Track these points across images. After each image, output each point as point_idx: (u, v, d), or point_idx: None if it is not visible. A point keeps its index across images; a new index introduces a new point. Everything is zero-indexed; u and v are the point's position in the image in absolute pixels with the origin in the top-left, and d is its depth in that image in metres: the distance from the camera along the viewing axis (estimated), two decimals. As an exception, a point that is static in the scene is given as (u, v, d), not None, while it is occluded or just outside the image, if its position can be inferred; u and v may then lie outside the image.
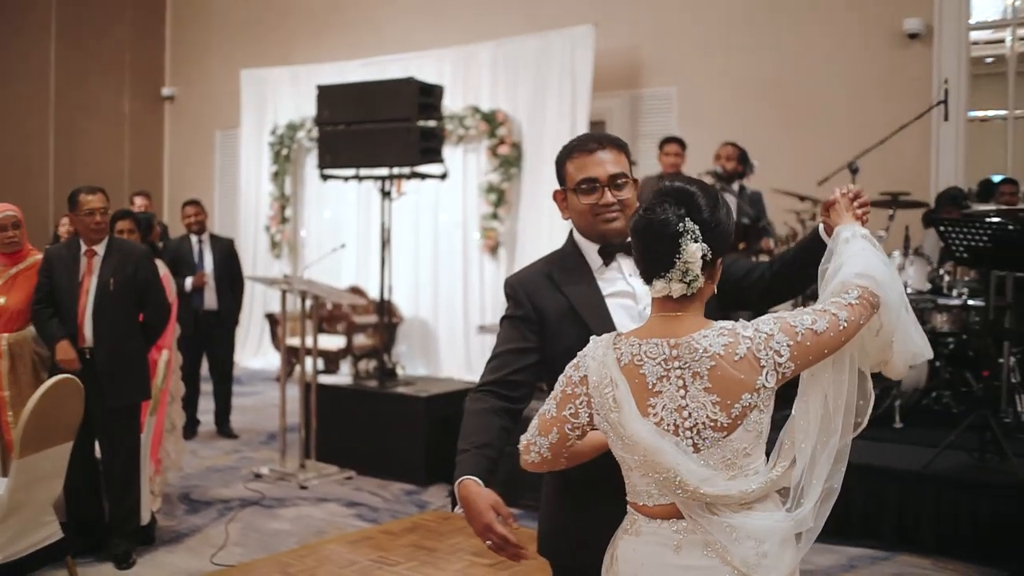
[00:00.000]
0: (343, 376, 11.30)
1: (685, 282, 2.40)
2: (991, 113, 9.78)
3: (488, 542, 2.61)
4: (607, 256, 2.93)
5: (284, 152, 13.10)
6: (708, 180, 8.00)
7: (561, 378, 2.57)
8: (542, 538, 3.09)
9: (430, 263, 11.88)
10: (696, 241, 2.39)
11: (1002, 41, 9.74)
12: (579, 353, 2.56)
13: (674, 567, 2.42)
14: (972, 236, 6.65)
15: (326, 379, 9.53)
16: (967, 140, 9.46)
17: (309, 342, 7.99)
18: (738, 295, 2.97)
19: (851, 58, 9.93)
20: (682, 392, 2.38)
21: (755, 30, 10.47)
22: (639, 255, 2.50)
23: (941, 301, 7.56)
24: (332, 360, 11.46)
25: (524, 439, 2.60)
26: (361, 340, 11.63)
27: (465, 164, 11.45)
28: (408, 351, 11.81)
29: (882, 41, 9.79)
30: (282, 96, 13.26)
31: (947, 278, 7.75)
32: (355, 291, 11.38)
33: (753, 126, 9.82)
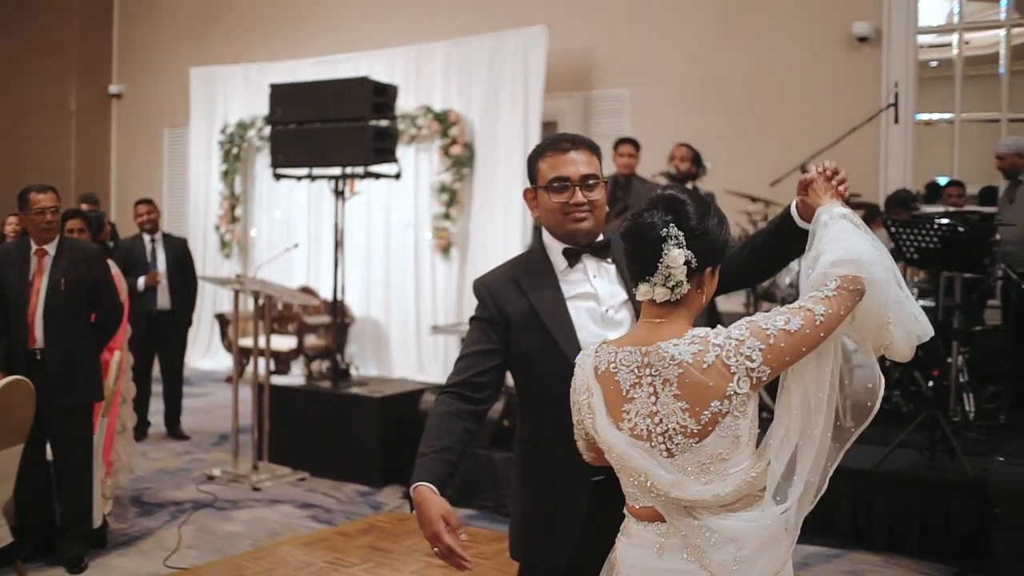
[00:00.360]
0: (295, 377, 11.24)
1: (668, 287, 2.43)
2: (936, 116, 9.91)
3: (435, 549, 2.65)
4: (571, 257, 2.96)
5: (234, 151, 12.99)
6: (662, 181, 8.05)
7: None
8: (510, 540, 3.13)
9: (381, 263, 11.83)
10: (680, 247, 2.41)
11: (948, 45, 9.88)
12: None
13: (657, 570, 2.45)
14: (922, 237, 6.76)
15: (279, 380, 9.47)
16: (915, 143, 9.58)
17: (261, 343, 7.92)
18: None
19: (802, 61, 10.03)
20: (653, 399, 2.41)
21: (707, 33, 10.53)
22: (627, 259, 2.53)
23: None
24: (283, 361, 11.38)
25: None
26: (312, 341, 11.57)
27: (417, 164, 11.41)
28: (359, 351, 11.76)
29: (832, 45, 9.89)
30: (232, 94, 13.15)
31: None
32: (306, 291, 11.31)
33: (705, 128, 9.88)
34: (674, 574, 2.43)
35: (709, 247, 2.46)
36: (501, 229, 10.82)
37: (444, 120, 11.21)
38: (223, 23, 14.17)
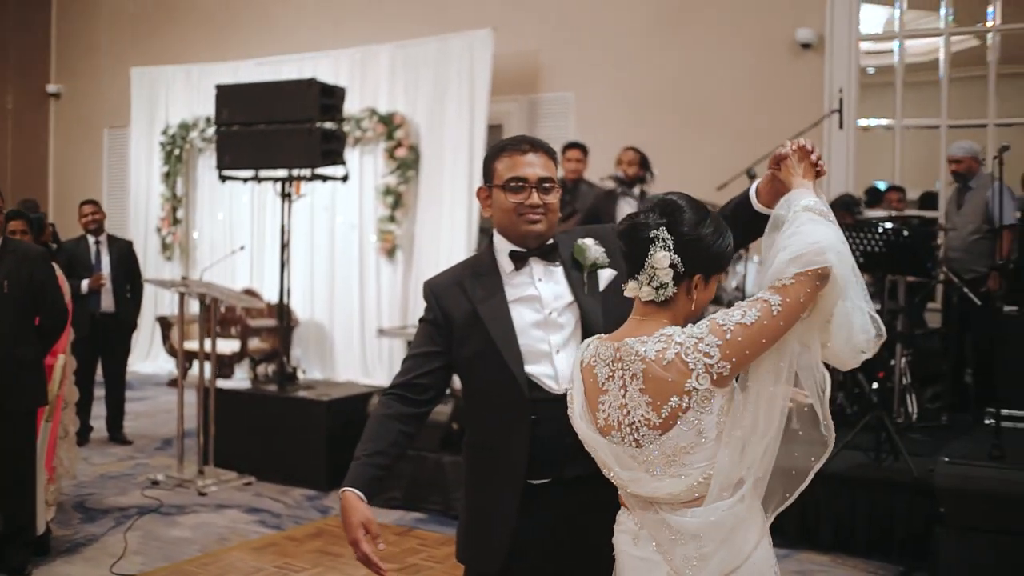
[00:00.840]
0: (239, 380, 11.13)
1: (653, 287, 2.50)
2: (873, 122, 10.05)
3: (356, 556, 2.79)
4: (518, 260, 2.97)
5: (176, 153, 12.85)
6: (610, 185, 8.08)
7: None
8: (456, 544, 3.16)
9: (326, 266, 11.76)
10: (667, 250, 2.47)
11: (889, 52, 10.03)
12: None
13: (633, 557, 2.57)
14: (868, 242, 6.86)
15: (224, 383, 9.38)
16: (856, 148, 9.71)
17: (205, 345, 7.84)
18: None
19: (746, 66, 10.11)
20: (623, 391, 2.50)
21: (653, 37, 10.59)
22: (622, 255, 2.62)
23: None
24: (226, 364, 11.27)
25: None
26: (255, 344, 11.47)
27: (362, 166, 11.36)
28: (303, 355, 11.67)
29: (776, 50, 9.98)
30: (174, 95, 12.99)
31: (840, 282, 7.94)
32: (250, 294, 11.21)
33: (650, 132, 9.92)
34: (646, 563, 2.53)
35: (700, 255, 2.51)
36: (447, 232, 10.80)
37: (389, 122, 11.18)
38: (164, 22, 13.99)
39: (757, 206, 2.84)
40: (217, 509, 7.14)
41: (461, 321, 2.95)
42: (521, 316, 2.93)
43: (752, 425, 2.48)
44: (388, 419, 2.94)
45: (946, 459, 5.82)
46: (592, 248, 2.98)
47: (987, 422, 7.53)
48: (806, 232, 2.47)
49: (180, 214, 12.93)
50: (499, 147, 3.04)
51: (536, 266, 2.97)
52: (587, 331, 2.90)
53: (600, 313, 2.94)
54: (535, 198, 2.93)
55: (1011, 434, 6.90)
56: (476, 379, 2.99)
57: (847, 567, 6.02)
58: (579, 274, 2.97)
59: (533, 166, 2.95)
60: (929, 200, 9.95)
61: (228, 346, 11.20)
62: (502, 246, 3.01)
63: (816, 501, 6.29)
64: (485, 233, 8.60)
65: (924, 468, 6.05)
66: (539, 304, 2.94)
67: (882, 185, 9.80)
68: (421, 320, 3.07)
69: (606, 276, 2.98)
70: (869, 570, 5.99)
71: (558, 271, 2.98)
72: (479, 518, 3.02)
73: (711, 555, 2.44)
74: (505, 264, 2.98)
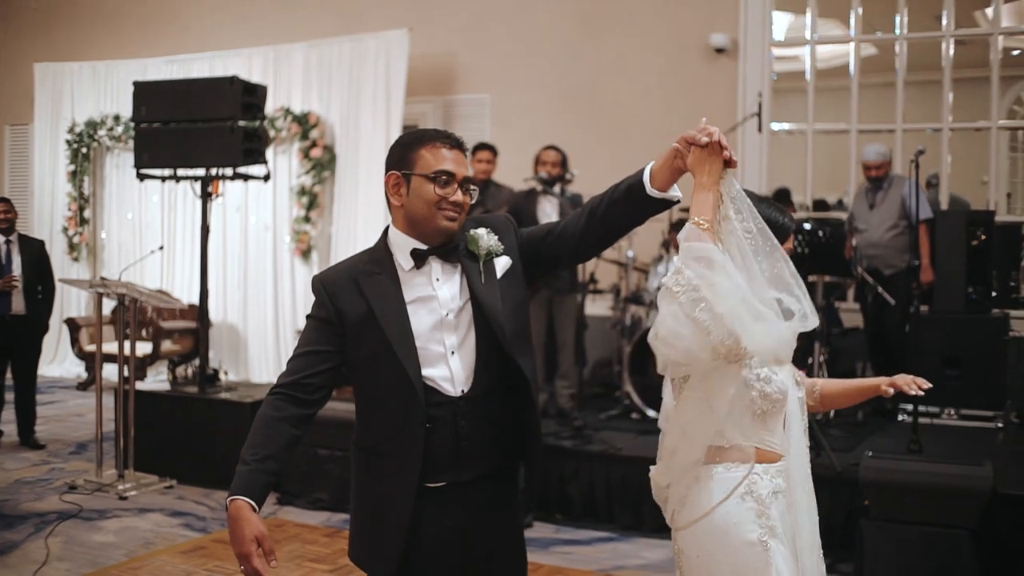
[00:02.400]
0: (152, 382, 10.93)
1: None
2: (789, 126, 10.27)
3: (242, 568, 2.64)
4: (419, 259, 2.90)
5: (83, 151, 12.58)
6: (534, 185, 8.13)
7: None
8: (349, 543, 3.08)
9: (239, 267, 11.62)
10: None
11: (794, 58, 10.27)
12: None
13: None
14: (793, 242, 7.01)
15: (142, 386, 9.20)
16: (770, 152, 9.93)
17: (112, 347, 7.68)
18: (548, 253, 3.01)
19: (662, 70, 10.26)
20: None
21: (569, 40, 10.68)
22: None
23: (755, 304, 7.91)
24: (138, 366, 11.05)
25: None
26: (168, 346, 11.29)
27: (276, 166, 11.24)
28: (216, 356, 11.52)
29: (691, 54, 10.14)
30: (80, 92, 12.72)
31: (760, 281, 8.11)
32: (161, 294, 11.02)
33: (566, 134, 9.99)
34: None
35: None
36: (362, 232, 10.75)
37: (304, 122, 11.10)
38: (68, 18, 13.68)
39: (651, 191, 2.77)
40: (139, 513, 7.01)
41: (355, 320, 2.86)
42: (418, 317, 2.87)
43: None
44: (278, 421, 2.79)
45: (869, 453, 5.98)
46: (485, 237, 2.94)
47: (900, 418, 7.81)
48: (658, 319, 2.66)
49: (87, 214, 12.65)
50: (422, 136, 2.94)
51: (435, 265, 2.91)
52: (486, 322, 2.88)
53: (499, 301, 2.90)
54: (459, 196, 2.88)
55: (925, 429, 7.17)
56: (370, 380, 2.90)
57: (774, 560, 6.14)
58: (475, 264, 2.92)
59: (459, 163, 2.91)
60: (821, 207, 10.25)
61: (140, 348, 10.98)
62: (402, 242, 2.92)
63: (743, 496, 6.41)
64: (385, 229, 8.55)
65: (846, 463, 6.22)
66: (436, 304, 2.89)
67: (787, 188, 10.02)
68: (310, 316, 2.94)
69: (502, 264, 2.95)
70: (792, 562, 6.12)
71: (456, 271, 2.92)
72: (372, 521, 2.94)
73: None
74: (403, 262, 2.91)
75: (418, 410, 2.82)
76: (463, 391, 2.88)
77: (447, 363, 2.87)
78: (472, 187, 2.93)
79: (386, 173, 2.94)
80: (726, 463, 2.83)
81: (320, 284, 2.93)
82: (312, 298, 2.96)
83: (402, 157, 2.91)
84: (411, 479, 2.82)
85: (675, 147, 2.71)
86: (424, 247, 2.89)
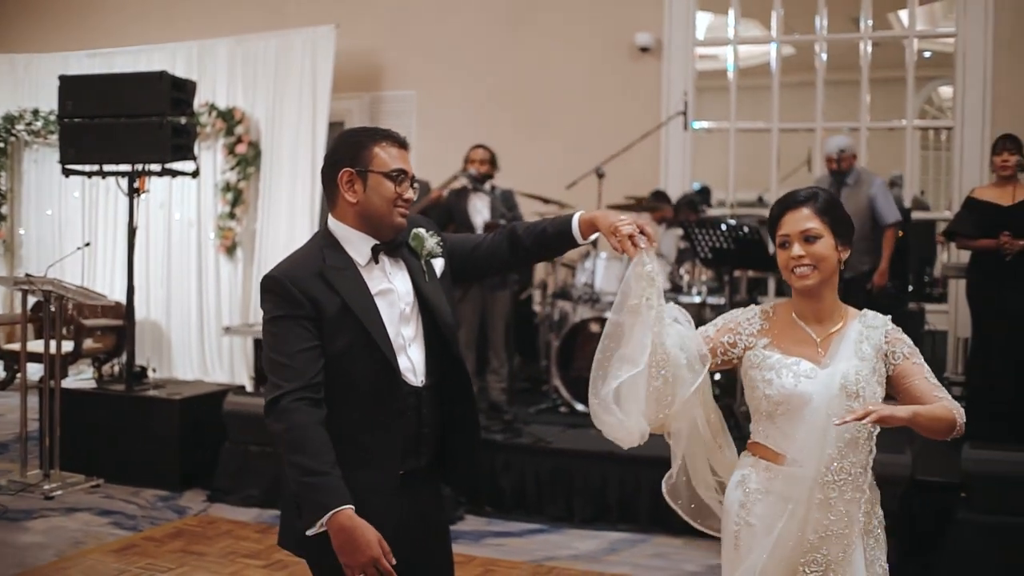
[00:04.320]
0: (74, 380, 10.74)
1: None
2: (712, 124, 10.45)
3: (363, 574, 2.69)
4: (376, 253, 2.98)
5: (0, 145, 12.33)
6: (464, 183, 8.19)
7: None
8: (293, 535, 3.01)
9: (162, 264, 11.46)
10: None
11: (718, 57, 10.46)
12: None
13: None
14: (716, 238, 7.17)
15: (65, 384, 9.06)
16: (693, 149, 10.10)
17: (33, 345, 7.58)
18: (472, 267, 3.22)
19: (587, 68, 10.37)
20: None
21: (495, 37, 10.74)
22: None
23: (681, 299, 8.04)
24: (60, 365, 10.88)
25: None
26: (89, 344, 11.11)
27: (201, 162, 11.04)
28: (140, 354, 11.37)
29: (616, 53, 10.27)
30: (-2, 85, 12.47)
31: (686, 277, 8.27)
32: (86, 291, 10.86)
33: (493, 131, 10.04)
34: None
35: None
36: (287, 229, 10.68)
37: (229, 118, 11.00)
38: (-17, 10, 13.42)
39: (580, 240, 3.11)
40: (67, 513, 6.93)
41: (331, 314, 2.87)
42: (383, 309, 2.94)
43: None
44: (317, 426, 2.79)
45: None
46: (428, 239, 3.05)
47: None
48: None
49: (4, 210, 12.40)
50: (374, 132, 3.03)
51: (385, 260, 3.00)
52: (433, 319, 3.01)
53: (444, 299, 3.05)
54: (410, 193, 3.00)
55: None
56: (343, 373, 2.89)
57: (700, 549, 6.27)
58: (416, 262, 3.04)
59: (409, 162, 3.03)
60: (756, 205, 10.47)
61: (63, 346, 10.81)
62: (352, 237, 2.98)
63: (670, 487, 6.54)
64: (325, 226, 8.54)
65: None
66: (395, 297, 2.98)
67: (696, 185, 10.22)
68: (281, 317, 2.88)
69: (439, 265, 3.09)
70: (717, 550, 6.25)
71: (401, 267, 3.03)
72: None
73: None
74: (358, 257, 2.97)
75: (399, 396, 2.93)
76: (422, 381, 3.00)
77: (407, 354, 2.98)
78: (415, 184, 3.04)
79: (334, 169, 2.99)
80: (746, 451, 3.10)
81: (287, 281, 2.89)
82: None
83: (355, 155, 2.98)
84: (393, 465, 2.93)
85: (620, 236, 2.95)
86: (376, 242, 2.97)
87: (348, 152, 2.99)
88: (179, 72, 10.46)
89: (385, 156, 2.96)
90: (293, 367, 2.83)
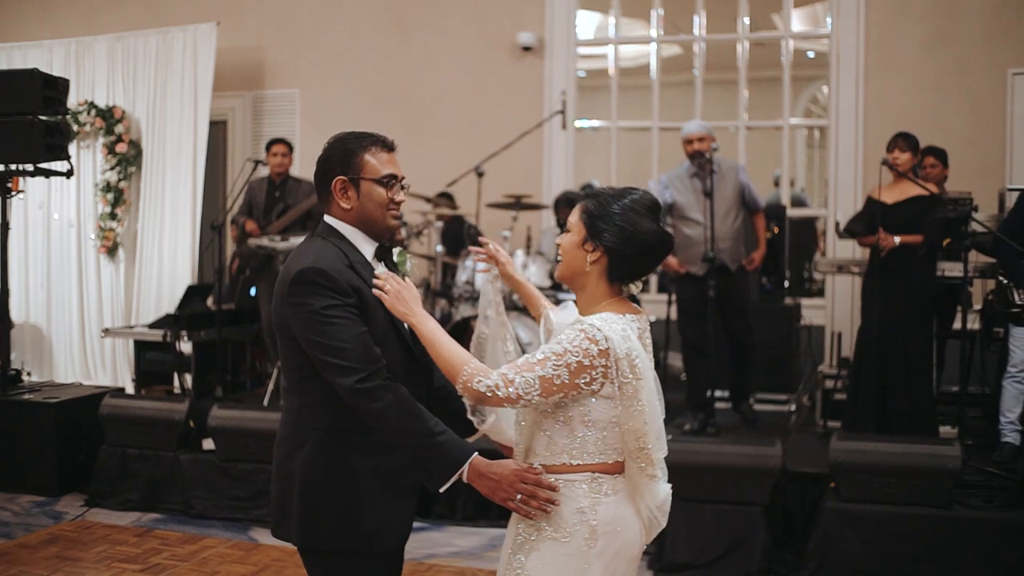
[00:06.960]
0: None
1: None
2: (593, 123, 10.60)
3: (519, 496, 2.85)
4: (381, 252, 3.14)
5: None
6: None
7: None
8: (314, 529, 3.10)
9: (41, 265, 11.23)
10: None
11: (600, 56, 10.61)
12: None
13: None
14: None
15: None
16: (576, 148, 10.22)
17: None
18: None
19: (471, 68, 10.42)
20: None
21: (378, 36, 10.73)
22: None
23: (560, 296, 8.13)
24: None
25: None
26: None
27: (80, 162, 10.92)
28: (18, 357, 11.13)
29: (499, 52, 10.32)
30: None
31: (566, 275, 8.35)
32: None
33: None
34: None
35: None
36: (170, 229, 10.55)
37: (109, 116, 10.82)
38: None
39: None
40: (-63, 521, 6.79)
41: (368, 303, 2.99)
42: None
43: None
44: (414, 398, 2.96)
45: (669, 437, 6.26)
46: (408, 261, 3.20)
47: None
48: None
49: None
50: (363, 139, 3.13)
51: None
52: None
53: None
54: (401, 195, 3.13)
55: (722, 413, 7.57)
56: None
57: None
58: (395, 272, 3.17)
59: (397, 164, 3.14)
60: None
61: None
62: (356, 235, 3.11)
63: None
64: (215, 229, 8.50)
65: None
66: None
67: (596, 183, 10.33)
68: (337, 304, 2.93)
69: None
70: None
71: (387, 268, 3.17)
72: (371, 496, 3.04)
73: None
74: (367, 253, 3.12)
75: (417, 382, 3.14)
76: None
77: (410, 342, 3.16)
78: (404, 185, 3.15)
79: (328, 177, 3.10)
80: None
81: (331, 272, 2.95)
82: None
83: (347, 163, 3.09)
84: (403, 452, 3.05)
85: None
86: (377, 244, 3.15)
87: (340, 160, 3.10)
88: (57, 70, 10.29)
89: (375, 162, 3.08)
90: (362, 351, 2.92)
